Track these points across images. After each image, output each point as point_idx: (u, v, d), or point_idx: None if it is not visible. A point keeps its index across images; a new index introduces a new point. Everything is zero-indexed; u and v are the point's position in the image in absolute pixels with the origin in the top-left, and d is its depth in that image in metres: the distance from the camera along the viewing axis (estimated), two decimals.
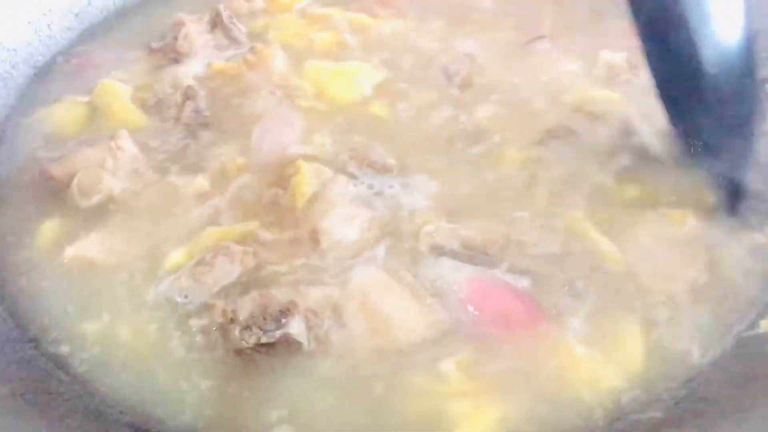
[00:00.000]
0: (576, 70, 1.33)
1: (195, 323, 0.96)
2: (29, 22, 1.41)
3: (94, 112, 1.29)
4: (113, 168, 1.15)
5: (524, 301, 0.97)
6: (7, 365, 0.92)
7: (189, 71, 1.36)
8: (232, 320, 0.93)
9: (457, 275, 0.99)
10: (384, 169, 1.15)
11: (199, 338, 0.94)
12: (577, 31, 1.44)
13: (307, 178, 1.11)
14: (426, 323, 0.94)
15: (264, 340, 0.91)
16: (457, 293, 0.97)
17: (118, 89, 1.31)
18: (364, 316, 0.95)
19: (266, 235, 1.06)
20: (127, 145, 1.18)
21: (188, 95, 1.28)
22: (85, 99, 1.31)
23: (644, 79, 1.24)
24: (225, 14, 1.45)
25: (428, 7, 1.53)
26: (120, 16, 1.55)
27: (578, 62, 1.35)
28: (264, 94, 1.30)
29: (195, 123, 1.25)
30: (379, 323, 0.94)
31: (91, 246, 1.06)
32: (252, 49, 1.38)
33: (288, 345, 0.92)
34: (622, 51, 1.34)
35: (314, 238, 1.04)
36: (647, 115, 1.18)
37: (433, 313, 0.95)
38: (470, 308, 0.96)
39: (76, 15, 1.49)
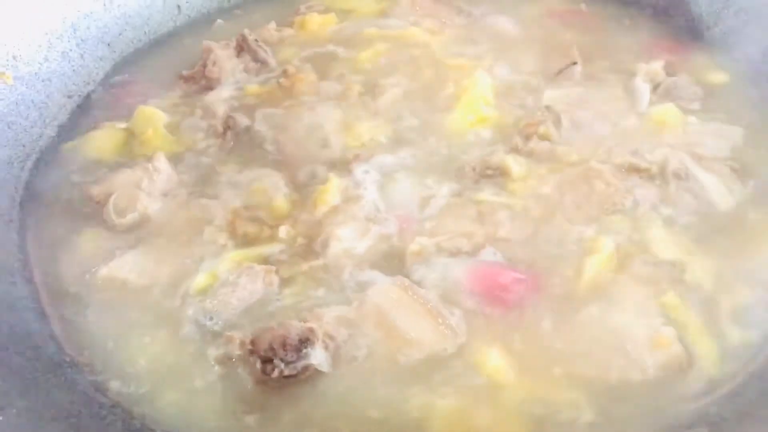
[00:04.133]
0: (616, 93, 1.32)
1: (217, 350, 0.96)
2: (62, 53, 1.43)
3: (130, 138, 1.31)
4: (149, 188, 1.17)
5: (521, 271, 1.03)
6: (50, 389, 0.93)
7: (221, 97, 1.37)
8: (251, 352, 0.93)
9: (455, 272, 1.02)
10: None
11: (218, 368, 0.95)
12: (607, 51, 1.43)
13: (332, 191, 1.14)
14: (440, 336, 0.95)
15: (287, 372, 0.90)
16: (460, 288, 1.01)
17: (155, 116, 1.33)
18: (380, 334, 0.96)
19: (283, 256, 1.07)
20: (164, 166, 1.20)
21: (228, 125, 1.29)
22: (123, 125, 1.33)
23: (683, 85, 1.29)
24: (250, 37, 1.46)
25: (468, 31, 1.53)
26: (151, 45, 1.58)
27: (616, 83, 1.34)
28: (302, 112, 1.32)
29: (235, 148, 1.26)
30: (396, 340, 0.95)
31: (124, 266, 1.07)
32: (285, 73, 1.39)
33: (308, 372, 0.92)
34: (658, 60, 1.35)
35: (325, 243, 1.07)
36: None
37: (446, 325, 0.96)
38: (474, 293, 1.00)
39: (108, 45, 1.51)
